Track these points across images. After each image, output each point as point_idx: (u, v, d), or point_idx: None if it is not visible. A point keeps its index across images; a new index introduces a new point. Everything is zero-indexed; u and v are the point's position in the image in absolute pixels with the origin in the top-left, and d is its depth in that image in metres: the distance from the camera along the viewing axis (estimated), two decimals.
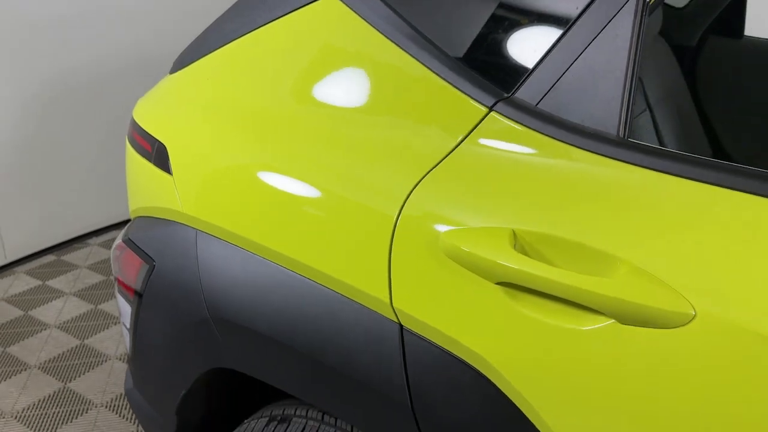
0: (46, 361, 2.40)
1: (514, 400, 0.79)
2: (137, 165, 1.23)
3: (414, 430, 0.89)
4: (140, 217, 1.25)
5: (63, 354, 2.45)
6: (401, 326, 0.87)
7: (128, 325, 1.27)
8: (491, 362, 0.80)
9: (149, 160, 1.18)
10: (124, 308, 1.27)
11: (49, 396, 2.22)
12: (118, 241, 1.27)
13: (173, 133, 1.15)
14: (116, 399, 2.21)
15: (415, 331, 0.85)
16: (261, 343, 1.01)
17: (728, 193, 0.70)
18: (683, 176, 0.73)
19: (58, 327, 2.62)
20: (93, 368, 2.37)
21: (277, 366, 1.01)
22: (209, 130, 1.10)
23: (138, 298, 1.19)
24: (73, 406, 2.17)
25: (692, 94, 1.94)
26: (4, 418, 2.11)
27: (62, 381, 2.29)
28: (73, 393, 2.24)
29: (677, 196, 0.73)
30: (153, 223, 1.19)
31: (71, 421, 2.10)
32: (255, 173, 1.00)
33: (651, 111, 1.61)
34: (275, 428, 1.11)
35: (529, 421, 0.79)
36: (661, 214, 0.73)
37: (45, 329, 2.60)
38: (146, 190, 1.20)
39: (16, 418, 2.11)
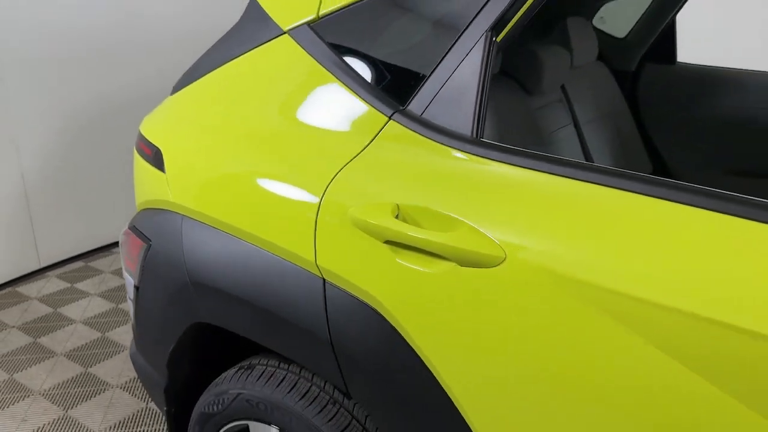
0: (71, 350, 2.73)
1: (399, 331, 1.07)
2: (140, 167, 1.55)
3: (333, 359, 1.17)
4: (143, 209, 1.57)
5: (86, 344, 2.78)
6: (324, 280, 1.16)
7: (131, 297, 1.58)
8: (383, 302, 1.08)
9: (149, 162, 1.50)
10: (128, 283, 1.59)
11: (72, 378, 2.54)
12: (125, 228, 1.59)
13: (167, 140, 1.47)
14: (130, 381, 2.52)
15: (333, 282, 1.14)
16: (226, 300, 1.31)
17: (544, 177, 0.98)
18: (514, 164, 1.01)
19: (83, 322, 2.95)
20: (111, 357, 2.69)
21: (238, 316, 1.31)
22: (192, 138, 1.42)
23: (139, 271, 1.50)
24: (92, 387, 2.49)
25: (631, 113, 2.22)
26: (32, 395, 2.43)
27: (84, 366, 2.62)
28: (93, 376, 2.55)
29: (507, 179, 1.02)
30: (151, 212, 1.50)
31: (90, 399, 2.41)
32: (222, 170, 1.32)
33: (578, 127, 1.89)
34: (242, 375, 1.40)
35: (410, 347, 1.07)
36: (493, 192, 1.01)
37: (71, 324, 2.94)
38: (146, 186, 1.52)
39: (43, 395, 2.43)
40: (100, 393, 2.45)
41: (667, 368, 0.84)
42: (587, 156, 1.89)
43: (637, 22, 2.22)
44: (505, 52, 1.69)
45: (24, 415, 2.32)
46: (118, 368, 2.60)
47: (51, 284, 3.31)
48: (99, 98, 3.45)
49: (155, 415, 2.32)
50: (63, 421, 2.29)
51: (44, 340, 2.81)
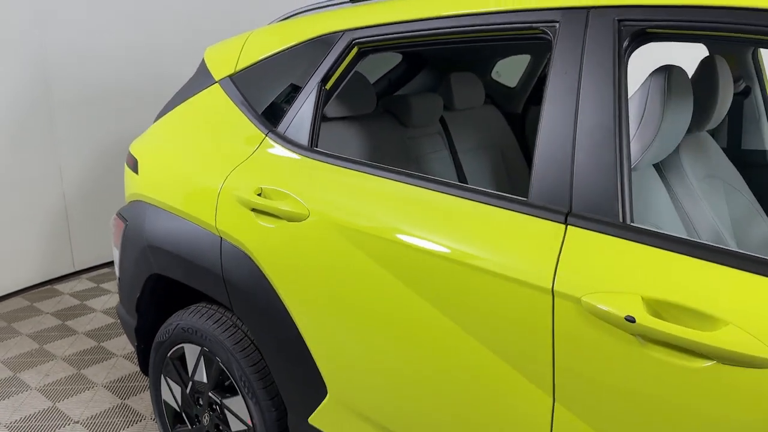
0: (89, 330, 3.43)
1: (259, 267, 1.71)
2: (127, 173, 2.25)
3: (224, 287, 1.81)
4: (127, 203, 2.26)
5: (102, 327, 3.47)
6: (221, 237, 1.81)
7: (117, 263, 2.26)
8: (250, 249, 1.72)
9: (131, 168, 2.20)
10: (115, 254, 2.27)
11: (87, 349, 3.22)
12: (113, 215, 2.28)
13: (141, 153, 2.16)
14: (132, 352, 3.18)
15: (225, 238, 1.79)
16: (168, 256, 1.97)
17: (345, 170, 1.61)
18: (328, 162, 1.65)
19: (102, 311, 3.66)
20: (121, 336, 3.37)
21: (174, 267, 1.97)
22: (156, 152, 2.11)
23: (120, 243, 2.18)
24: (102, 355, 3.16)
25: (520, 145, 2.82)
26: (55, 359, 3.12)
27: (98, 341, 3.30)
28: (104, 348, 3.23)
29: (322, 170, 1.65)
30: (130, 203, 2.19)
31: (99, 364, 3.08)
32: (170, 172, 2.00)
33: (454, 153, 2.51)
34: (182, 315, 2.04)
35: (266, 278, 1.70)
36: (311, 177, 1.65)
37: (93, 312, 3.65)
38: (128, 185, 2.22)
39: (63, 359, 3.12)
40: (107, 360, 3.12)
41: (407, 299, 1.44)
42: (460, 175, 2.50)
43: (522, 75, 2.85)
44: (386, 99, 2.35)
45: (47, 372, 3.01)
46: (124, 343, 3.28)
47: (81, 284, 4.05)
48: (128, 131, 4.24)
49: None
50: (77, 378, 2.96)
51: (70, 323, 3.52)
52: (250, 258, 1.73)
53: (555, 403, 1.22)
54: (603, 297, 1.12)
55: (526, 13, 1.38)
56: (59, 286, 4.02)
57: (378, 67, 3.03)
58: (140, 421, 2.62)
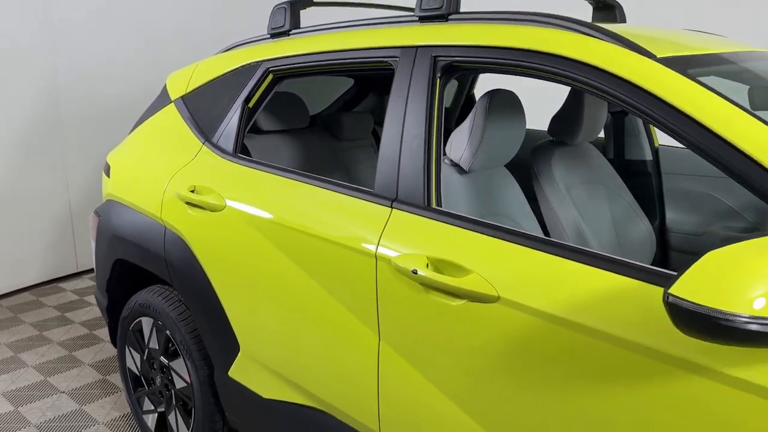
0: (85, 320, 3.88)
1: (191, 249, 2.14)
2: (103, 177, 2.70)
3: (166, 267, 2.24)
4: (103, 202, 2.71)
5: (96, 318, 3.92)
6: (165, 227, 2.25)
7: (93, 253, 2.71)
8: (185, 234, 2.15)
9: (105, 173, 2.66)
10: (92, 246, 2.72)
11: (81, 335, 3.67)
12: (92, 213, 2.73)
13: (113, 160, 2.62)
14: None
15: (167, 227, 2.23)
16: (127, 243, 2.41)
17: (259, 172, 2.04)
18: (247, 166, 2.08)
19: (97, 306, 4.12)
20: None
21: (132, 252, 2.41)
22: (123, 159, 2.57)
23: (95, 235, 2.64)
24: (93, 341, 3.60)
25: None
26: (51, 343, 3.58)
27: (90, 330, 3.75)
28: (96, 336, 3.68)
29: (241, 172, 2.08)
30: (104, 202, 2.65)
31: (90, 347, 3.52)
32: (131, 175, 2.45)
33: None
34: (140, 294, 2.47)
35: (196, 258, 2.13)
36: (232, 176, 2.08)
37: (90, 306, 4.11)
38: (104, 187, 2.67)
39: (59, 344, 3.57)
40: (96, 344, 3.57)
41: (289, 269, 1.85)
42: None
43: (453, 95, 3.27)
44: (323, 116, 2.79)
45: (43, 353, 3.46)
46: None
47: (83, 282, 4.53)
48: None
49: None
50: (67, 358, 3.40)
51: (68, 314, 3.98)
52: (184, 242, 2.16)
53: (380, 341, 1.62)
54: (403, 258, 1.52)
55: (380, 50, 1.80)
56: (63, 284, 4.50)
57: (335, 90, 3.48)
58: (116, 393, 3.05)
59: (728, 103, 1.22)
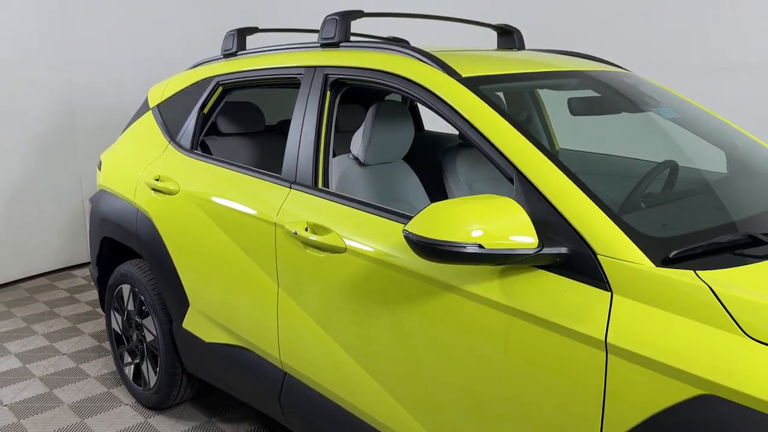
0: (90, 300, 4.47)
1: (154, 224, 2.69)
2: (97, 171, 3.28)
3: (137, 241, 2.79)
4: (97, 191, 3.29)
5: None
6: (137, 209, 2.80)
7: (87, 235, 3.28)
8: (150, 213, 2.70)
9: (98, 168, 3.24)
10: (87, 229, 3.29)
11: (85, 312, 4.25)
12: (88, 201, 3.31)
13: (105, 157, 3.20)
14: None
15: (139, 209, 2.78)
16: (110, 223, 2.97)
17: (208, 164, 2.58)
18: (200, 159, 2.63)
19: None
20: None
21: (114, 230, 2.96)
22: (111, 156, 3.14)
23: (89, 218, 3.21)
24: (96, 316, 4.18)
25: None
26: (59, 318, 4.16)
27: (94, 308, 4.33)
28: (98, 312, 4.26)
29: (195, 164, 2.63)
30: (96, 192, 3.22)
31: (92, 321, 4.10)
32: (115, 169, 3.02)
33: None
34: (121, 266, 3.03)
35: (158, 232, 2.67)
36: (187, 167, 2.63)
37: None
38: (97, 180, 3.25)
39: (66, 318, 4.16)
40: (97, 319, 4.14)
41: (222, 238, 2.38)
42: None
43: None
44: (280, 122, 3.32)
45: (51, 325, 4.05)
46: None
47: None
48: None
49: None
50: (71, 329, 3.98)
51: (77, 296, 4.57)
52: (150, 220, 2.71)
53: (279, 288, 2.14)
54: (290, 224, 2.04)
55: (292, 68, 2.34)
56: (75, 271, 5.10)
57: None
58: (108, 355, 3.60)
59: (495, 113, 1.71)
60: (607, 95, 2.24)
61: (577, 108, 2.31)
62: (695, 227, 1.54)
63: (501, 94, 2.59)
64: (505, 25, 2.93)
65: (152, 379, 2.91)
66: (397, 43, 2.05)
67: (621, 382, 1.30)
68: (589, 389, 1.36)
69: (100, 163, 3.23)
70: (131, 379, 3.07)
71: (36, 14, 4.65)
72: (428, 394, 1.71)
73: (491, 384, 1.55)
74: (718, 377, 1.18)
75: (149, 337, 2.89)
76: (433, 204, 1.48)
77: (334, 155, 2.24)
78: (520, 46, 2.92)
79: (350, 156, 2.41)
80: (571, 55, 2.65)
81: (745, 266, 1.36)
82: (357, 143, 2.37)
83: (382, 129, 2.34)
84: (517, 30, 2.95)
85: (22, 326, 4.03)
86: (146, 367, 2.94)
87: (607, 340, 1.33)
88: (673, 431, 1.22)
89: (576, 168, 1.58)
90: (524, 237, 1.43)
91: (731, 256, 1.41)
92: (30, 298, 4.53)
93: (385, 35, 3.47)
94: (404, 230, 1.49)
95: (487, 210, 1.45)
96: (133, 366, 3.06)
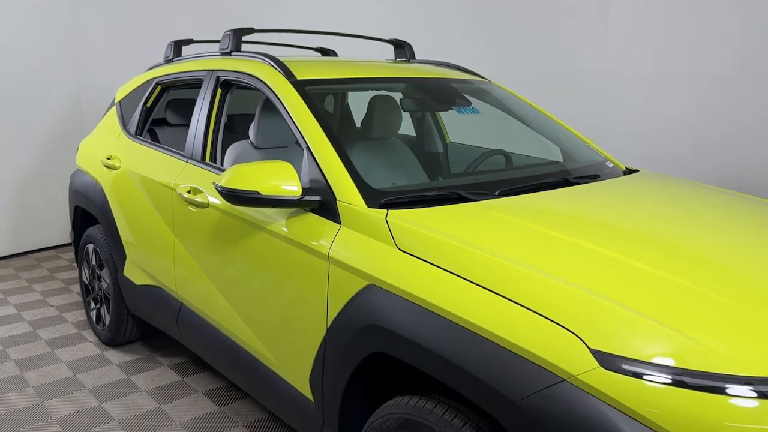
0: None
1: (106, 194, 3.42)
2: (76, 155, 4.05)
3: (95, 207, 3.53)
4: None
5: None
6: (95, 181, 3.54)
7: (69, 205, 4.05)
8: (104, 186, 3.44)
9: (76, 152, 4.00)
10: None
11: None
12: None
13: (81, 144, 3.96)
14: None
15: (96, 181, 3.52)
16: (80, 196, 3.73)
17: (144, 147, 3.30)
18: (142, 143, 3.35)
19: None
20: None
21: (86, 201, 3.71)
22: (85, 143, 3.90)
23: (69, 192, 3.98)
24: None
25: None
26: (70, 292, 4.96)
27: None
28: None
29: (137, 148, 3.35)
30: (74, 171, 3.99)
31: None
32: (87, 153, 3.78)
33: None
34: (88, 229, 3.78)
35: (107, 198, 3.41)
36: (131, 150, 3.35)
37: None
38: (76, 162, 4.02)
39: (61, 280, 4.95)
40: None
41: (147, 207, 3.10)
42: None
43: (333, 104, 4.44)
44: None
45: (48, 285, 4.85)
46: None
47: None
48: None
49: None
50: (65, 288, 4.78)
51: (75, 264, 5.38)
52: (102, 190, 3.45)
53: (175, 238, 2.83)
54: (181, 188, 2.73)
55: (199, 72, 3.03)
56: None
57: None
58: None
59: (305, 106, 2.35)
60: (425, 97, 2.87)
61: (406, 106, 2.93)
62: (420, 187, 2.16)
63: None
64: (396, 40, 3.57)
65: (107, 320, 3.64)
66: (263, 54, 2.71)
67: (335, 280, 1.94)
68: (322, 287, 1.99)
69: (78, 148, 3.99)
70: (94, 321, 3.82)
71: (49, 23, 5.50)
72: (250, 306, 2.37)
73: (276, 290, 2.20)
74: (378, 273, 1.80)
75: (104, 285, 3.62)
76: (235, 165, 2.14)
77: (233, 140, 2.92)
78: (411, 57, 3.56)
79: (248, 141, 3.08)
80: (441, 66, 3.29)
81: (429, 208, 1.98)
82: (251, 131, 3.04)
83: (266, 121, 3.00)
84: (408, 44, 3.59)
85: (24, 285, 4.84)
86: (104, 310, 3.68)
87: (329, 254, 1.96)
88: (360, 308, 1.84)
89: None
90: (291, 187, 2.08)
91: (434, 203, 2.03)
92: (37, 266, 5.36)
93: (315, 46, 4.15)
94: (213, 183, 2.16)
95: (269, 170, 2.10)
96: (95, 310, 3.80)
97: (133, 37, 5.99)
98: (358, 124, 3.39)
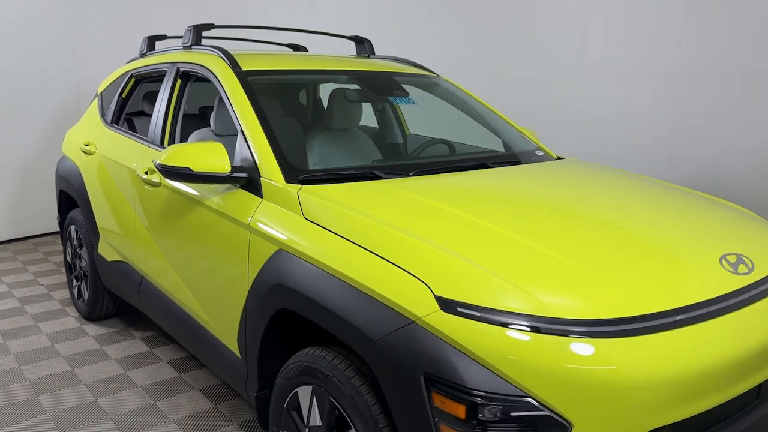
0: None
1: (82, 177, 3.70)
2: (62, 144, 4.35)
3: (75, 190, 3.81)
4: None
5: None
6: (75, 165, 3.83)
7: (57, 191, 4.35)
8: (80, 167, 3.72)
9: (62, 141, 4.29)
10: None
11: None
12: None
13: (68, 133, 4.25)
14: None
15: (76, 165, 3.81)
16: (63, 180, 4.01)
17: (119, 134, 3.58)
18: (115, 131, 3.63)
19: None
20: None
21: (67, 185, 3.99)
22: (70, 132, 4.19)
23: (55, 178, 4.27)
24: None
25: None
26: (48, 262, 5.26)
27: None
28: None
29: (111, 135, 3.63)
30: (60, 158, 4.28)
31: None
32: (72, 141, 4.07)
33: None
34: (71, 212, 4.07)
35: (83, 179, 3.69)
36: (107, 138, 3.63)
37: None
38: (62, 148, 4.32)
39: (53, 262, 5.26)
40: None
41: (115, 189, 3.37)
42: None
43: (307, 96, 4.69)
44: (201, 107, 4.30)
45: (41, 267, 5.15)
46: None
47: None
48: None
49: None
50: (56, 270, 5.08)
51: None
52: (80, 174, 3.73)
53: (136, 216, 3.09)
54: (140, 170, 2.99)
55: (164, 64, 3.29)
56: None
57: None
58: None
59: (243, 93, 2.59)
60: (366, 89, 3.11)
61: (349, 96, 3.17)
62: (341, 166, 2.40)
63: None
64: (357, 36, 3.82)
65: (86, 296, 3.92)
66: (217, 47, 2.96)
67: (254, 247, 2.18)
68: (244, 253, 2.23)
69: (65, 137, 4.28)
70: (76, 297, 4.10)
71: (51, 20, 5.82)
72: (192, 276, 2.62)
73: (210, 258, 2.45)
74: (288, 240, 2.04)
75: (83, 264, 3.90)
76: (173, 144, 2.39)
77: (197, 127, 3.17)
78: (371, 53, 3.79)
79: (210, 128, 3.34)
80: (394, 61, 3.52)
81: (339, 184, 2.21)
82: (212, 119, 3.30)
83: (222, 112, 3.25)
84: (368, 40, 3.83)
85: (19, 267, 5.15)
86: (83, 287, 3.96)
87: (250, 224, 2.21)
88: (271, 271, 2.07)
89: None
90: (221, 165, 2.32)
91: (350, 181, 2.26)
92: (33, 249, 5.68)
93: (286, 42, 4.41)
94: (153, 160, 2.42)
95: (202, 149, 2.35)
96: (77, 287, 4.09)
97: (132, 35, 6.29)
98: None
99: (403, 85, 3.33)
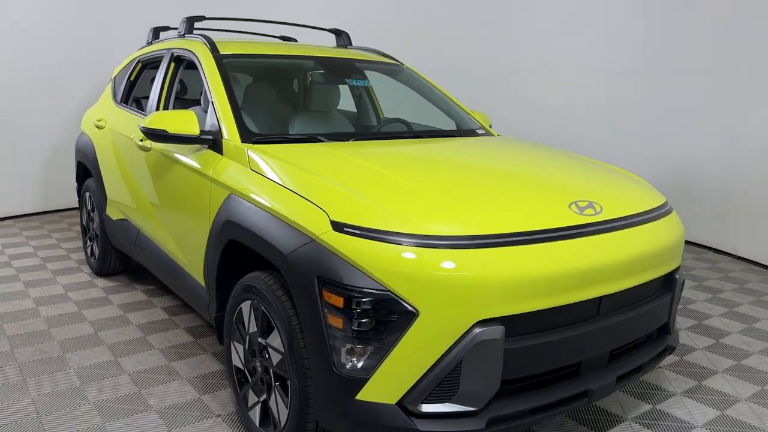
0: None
1: (94, 148, 4.27)
2: (81, 123, 4.94)
3: (89, 160, 4.39)
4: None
5: None
6: (90, 140, 4.41)
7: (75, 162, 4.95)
8: (94, 141, 4.30)
9: (81, 119, 4.89)
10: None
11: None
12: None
13: (86, 113, 4.84)
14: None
15: (91, 139, 4.39)
16: (80, 152, 4.60)
17: (125, 111, 4.14)
18: (125, 110, 4.19)
19: None
20: None
21: (82, 156, 4.57)
22: (88, 112, 4.78)
23: (75, 153, 4.87)
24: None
25: None
26: (51, 238, 5.88)
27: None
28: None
29: (120, 113, 4.20)
30: (79, 134, 4.88)
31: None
32: (88, 119, 4.66)
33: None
34: (87, 180, 4.66)
35: (95, 151, 4.26)
36: (116, 114, 4.20)
37: None
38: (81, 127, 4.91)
39: (57, 239, 5.88)
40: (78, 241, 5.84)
41: (119, 156, 3.93)
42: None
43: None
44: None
45: (43, 242, 5.77)
46: None
47: None
48: None
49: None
50: (55, 246, 5.69)
51: (76, 228, 6.31)
52: (93, 146, 4.31)
53: (133, 178, 3.64)
54: (137, 138, 3.54)
55: (162, 50, 3.84)
56: None
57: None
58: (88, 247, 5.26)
59: (217, 72, 3.10)
60: (329, 72, 3.61)
61: (315, 79, 3.66)
62: (292, 132, 2.90)
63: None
64: (336, 29, 4.32)
65: (97, 253, 4.50)
66: (204, 36, 3.48)
67: (213, 194, 2.69)
68: (206, 199, 2.74)
69: (83, 116, 4.88)
70: (89, 255, 4.69)
71: (80, 16, 6.46)
72: (171, 222, 3.15)
73: (183, 206, 2.97)
74: (236, 186, 2.55)
75: (95, 225, 4.48)
76: (156, 111, 2.92)
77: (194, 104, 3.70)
78: (348, 44, 4.30)
79: (200, 106, 3.87)
80: (363, 50, 4.01)
81: (283, 145, 2.71)
82: (202, 98, 3.83)
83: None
84: (346, 32, 4.34)
85: (45, 234, 5.78)
86: (95, 246, 4.55)
87: (211, 176, 2.72)
88: (224, 211, 2.57)
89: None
90: (191, 128, 2.84)
91: (295, 143, 2.76)
92: (60, 220, 6.32)
93: (278, 34, 4.93)
94: (138, 124, 2.95)
95: (177, 116, 2.86)
96: (90, 247, 4.67)
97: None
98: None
99: (368, 71, 3.83)
